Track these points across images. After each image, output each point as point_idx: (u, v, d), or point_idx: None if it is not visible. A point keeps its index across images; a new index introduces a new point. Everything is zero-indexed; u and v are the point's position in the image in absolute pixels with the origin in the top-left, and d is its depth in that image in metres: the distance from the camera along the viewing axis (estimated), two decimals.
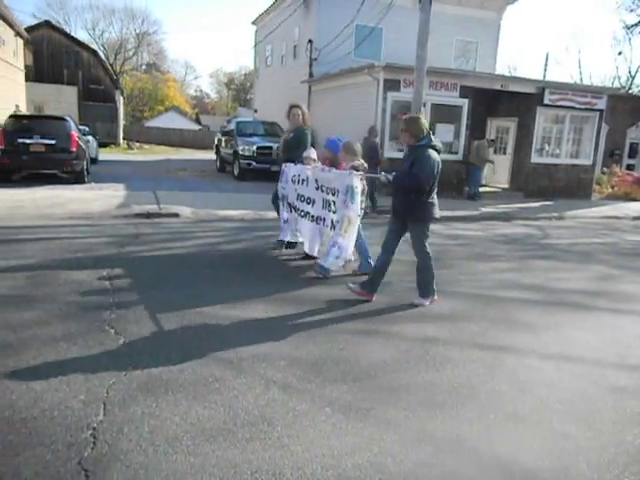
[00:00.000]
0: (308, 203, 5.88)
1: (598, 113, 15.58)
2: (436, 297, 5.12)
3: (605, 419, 3.10)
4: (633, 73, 32.49)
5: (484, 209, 12.39)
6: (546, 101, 14.62)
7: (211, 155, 21.42)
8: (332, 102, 16.12)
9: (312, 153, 6.26)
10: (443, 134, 13.88)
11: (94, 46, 40.63)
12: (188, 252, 6.61)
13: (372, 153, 10.53)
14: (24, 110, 20.59)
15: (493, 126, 16.39)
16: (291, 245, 6.75)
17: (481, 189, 14.34)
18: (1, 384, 3.07)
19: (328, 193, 5.50)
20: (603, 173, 17.98)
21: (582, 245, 8.94)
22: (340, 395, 3.19)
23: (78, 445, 2.53)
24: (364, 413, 3.01)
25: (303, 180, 5.91)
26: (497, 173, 16.05)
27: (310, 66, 17.68)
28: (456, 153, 14.09)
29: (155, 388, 3.13)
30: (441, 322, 4.61)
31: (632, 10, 23.87)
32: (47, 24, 32.41)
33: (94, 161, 17.57)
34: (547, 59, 40.25)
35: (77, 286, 4.97)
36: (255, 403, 3.03)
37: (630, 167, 20.51)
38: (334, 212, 5.47)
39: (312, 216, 5.85)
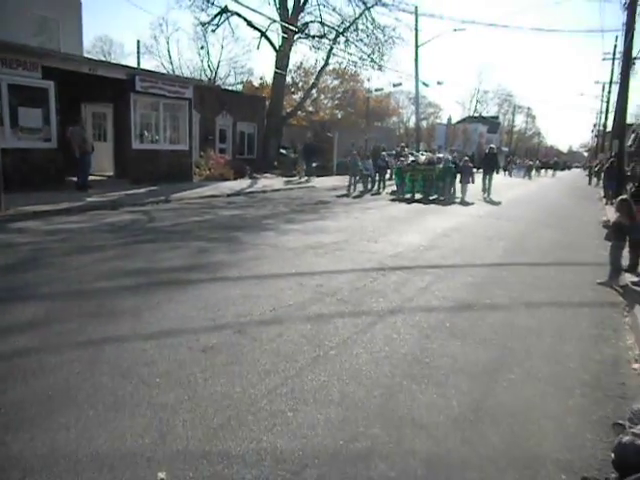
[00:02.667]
0: None
1: (188, 102, 17.00)
2: None
3: (198, 380, 3.46)
4: (214, 67, 36.64)
5: (90, 199, 11.85)
6: (138, 88, 14.95)
7: None
8: None
9: None
10: (29, 119, 12.49)
11: None
12: None
13: None
14: None
15: (88, 112, 15.73)
16: None
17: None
18: None
19: None
20: (201, 157, 19.86)
21: (183, 225, 9.67)
22: None
23: None
24: None
25: None
26: (100, 160, 15.59)
27: None
28: (49, 140, 12.88)
29: None
30: (34, 330, 4.17)
31: (203, 10, 26.17)
32: None
33: None
34: (139, 47, 40.84)
35: None
36: None
37: (222, 150, 23.35)
38: None
39: None
